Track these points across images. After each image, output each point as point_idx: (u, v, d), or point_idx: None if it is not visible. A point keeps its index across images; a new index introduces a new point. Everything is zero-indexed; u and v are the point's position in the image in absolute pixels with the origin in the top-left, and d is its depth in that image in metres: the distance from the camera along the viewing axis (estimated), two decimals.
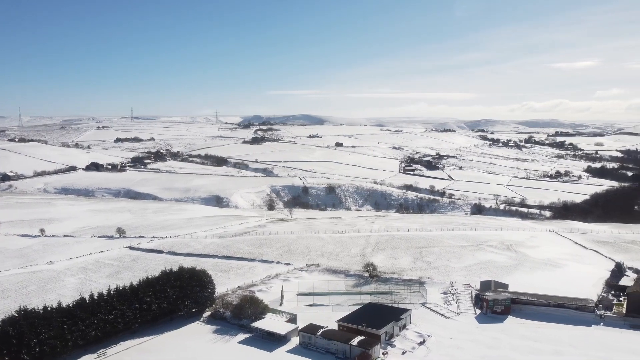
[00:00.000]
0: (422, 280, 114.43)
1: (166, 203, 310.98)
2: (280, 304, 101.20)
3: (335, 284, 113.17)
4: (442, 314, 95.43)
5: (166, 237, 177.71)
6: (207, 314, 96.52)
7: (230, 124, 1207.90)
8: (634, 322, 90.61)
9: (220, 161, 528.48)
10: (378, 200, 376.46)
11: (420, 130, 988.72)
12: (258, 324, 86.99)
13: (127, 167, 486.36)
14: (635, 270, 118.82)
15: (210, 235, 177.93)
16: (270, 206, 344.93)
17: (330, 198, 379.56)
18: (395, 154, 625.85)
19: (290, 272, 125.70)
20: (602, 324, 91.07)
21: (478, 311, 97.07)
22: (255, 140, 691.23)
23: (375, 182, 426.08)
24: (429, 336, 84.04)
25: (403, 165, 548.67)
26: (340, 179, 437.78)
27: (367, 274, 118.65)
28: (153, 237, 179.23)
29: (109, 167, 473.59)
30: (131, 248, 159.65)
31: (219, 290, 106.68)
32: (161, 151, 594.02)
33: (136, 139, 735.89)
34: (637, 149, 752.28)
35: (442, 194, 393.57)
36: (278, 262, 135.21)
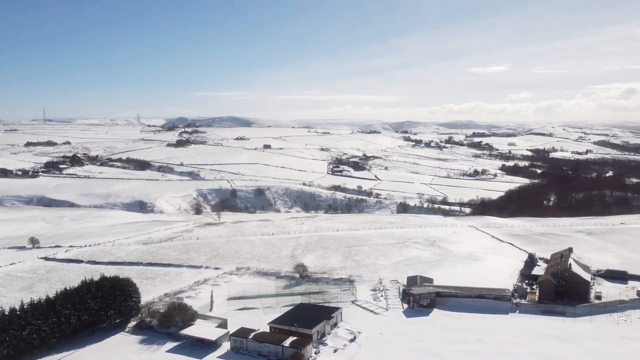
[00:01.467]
0: (352, 279, 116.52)
1: (85, 210, 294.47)
2: (210, 310, 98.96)
3: (266, 287, 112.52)
4: (371, 311, 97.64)
5: (85, 245, 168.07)
6: (132, 324, 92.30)
7: (153, 126, 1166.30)
8: (545, 308, 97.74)
9: (143, 165, 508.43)
10: (307, 202, 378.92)
11: (347, 131, 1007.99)
12: (187, 331, 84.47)
13: (40, 173, 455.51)
14: (546, 260, 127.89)
15: (134, 242, 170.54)
16: (198, 210, 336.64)
17: (259, 200, 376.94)
18: (323, 155, 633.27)
19: (219, 276, 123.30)
20: (517, 311, 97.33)
21: (405, 306, 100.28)
22: (180, 143, 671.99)
23: (304, 184, 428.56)
24: (359, 333, 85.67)
25: (331, 166, 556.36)
26: (269, 181, 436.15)
27: (298, 275, 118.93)
28: (71, 246, 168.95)
29: (19, 172, 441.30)
30: (46, 259, 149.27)
31: (145, 298, 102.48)
32: (78, 155, 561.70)
33: (50, 143, 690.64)
34: (544, 148, 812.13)
35: (369, 194, 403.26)
36: (207, 267, 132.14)
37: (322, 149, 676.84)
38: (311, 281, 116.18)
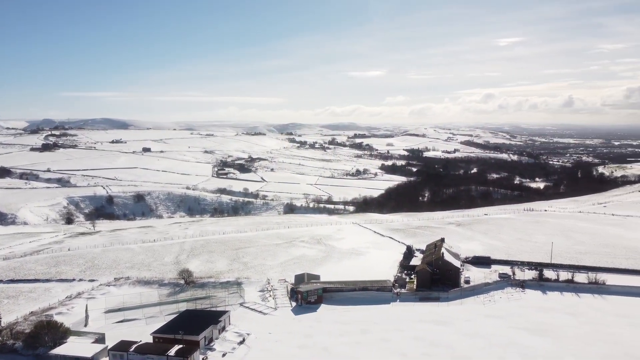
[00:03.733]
0: (240, 281, 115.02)
1: None
2: (85, 325, 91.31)
3: (149, 296, 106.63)
4: (260, 311, 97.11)
5: None
6: None
7: (13, 129, 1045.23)
8: (422, 295, 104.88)
9: (2, 172, 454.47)
10: (192, 206, 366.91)
11: (232, 133, 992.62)
12: (58, 350, 76.87)
13: None
14: (422, 251, 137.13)
15: None
16: (69, 219, 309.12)
17: (139, 207, 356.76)
18: (208, 158, 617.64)
19: (95, 288, 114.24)
20: (398, 300, 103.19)
21: (294, 304, 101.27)
22: (46, 147, 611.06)
23: (187, 188, 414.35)
24: (248, 334, 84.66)
25: (216, 169, 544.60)
26: (149, 185, 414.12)
27: (182, 281, 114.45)
28: None
29: None
30: None
31: (7, 319, 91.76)
32: None
33: None
34: (419, 147, 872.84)
35: (256, 196, 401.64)
36: (80, 280, 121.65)
37: (206, 152, 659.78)
38: (197, 286, 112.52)
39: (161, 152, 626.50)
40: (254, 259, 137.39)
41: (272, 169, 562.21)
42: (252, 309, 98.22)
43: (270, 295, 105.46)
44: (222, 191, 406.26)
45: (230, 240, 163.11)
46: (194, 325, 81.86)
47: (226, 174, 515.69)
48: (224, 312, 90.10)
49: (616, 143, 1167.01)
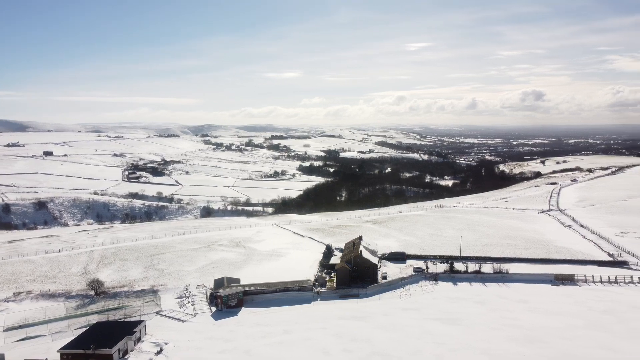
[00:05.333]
0: (156, 289, 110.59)
1: None
2: None
3: (55, 310, 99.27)
4: (178, 319, 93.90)
5: None
6: None
7: None
8: (342, 292, 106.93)
9: None
10: (101, 212, 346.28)
11: (143, 136, 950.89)
12: None
13: None
14: (341, 250, 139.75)
15: None
16: None
17: (41, 215, 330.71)
18: (117, 161, 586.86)
19: None
20: (319, 299, 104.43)
21: (214, 309, 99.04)
22: None
23: (96, 193, 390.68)
24: (166, 344, 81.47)
25: (127, 173, 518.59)
26: (52, 192, 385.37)
27: (92, 292, 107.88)
28: None
29: None
30: None
31: None
32: None
33: None
34: (335, 148, 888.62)
35: (171, 200, 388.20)
36: None
37: (115, 155, 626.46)
38: (109, 297, 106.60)
39: (65, 155, 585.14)
40: (170, 265, 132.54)
41: (187, 172, 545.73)
42: (169, 317, 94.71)
43: (189, 302, 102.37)
44: (134, 196, 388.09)
45: (144, 247, 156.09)
46: (107, 338, 77.46)
47: (138, 177, 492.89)
48: (139, 322, 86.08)
49: (514, 142, 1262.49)
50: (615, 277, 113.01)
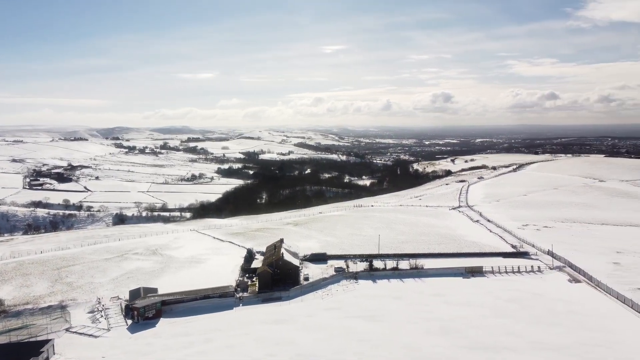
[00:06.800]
0: (65, 304, 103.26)
1: None
2: None
3: None
4: (90, 335, 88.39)
5: None
6: None
7: None
8: (264, 296, 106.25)
9: None
10: None
11: (46, 139, 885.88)
12: None
13: None
14: (262, 253, 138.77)
15: None
16: None
17: None
18: (17, 167, 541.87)
19: None
20: (241, 304, 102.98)
21: (130, 321, 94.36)
22: None
23: None
24: None
25: (28, 179, 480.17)
26: None
27: None
28: None
29: None
30: None
31: None
32: None
33: None
34: (254, 150, 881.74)
35: (80, 208, 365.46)
36: None
37: (14, 160, 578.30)
38: (11, 316, 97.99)
39: None
40: (80, 277, 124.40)
41: (97, 177, 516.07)
42: (80, 334, 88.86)
43: (102, 316, 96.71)
44: (38, 204, 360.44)
45: (50, 260, 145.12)
46: None
47: (41, 184, 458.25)
48: (46, 342, 79.93)
49: (427, 142, 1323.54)
50: (518, 267, 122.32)
